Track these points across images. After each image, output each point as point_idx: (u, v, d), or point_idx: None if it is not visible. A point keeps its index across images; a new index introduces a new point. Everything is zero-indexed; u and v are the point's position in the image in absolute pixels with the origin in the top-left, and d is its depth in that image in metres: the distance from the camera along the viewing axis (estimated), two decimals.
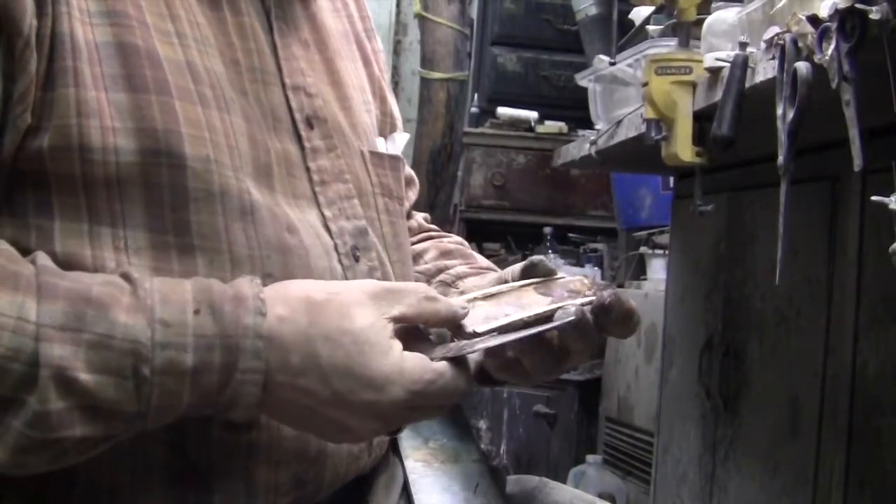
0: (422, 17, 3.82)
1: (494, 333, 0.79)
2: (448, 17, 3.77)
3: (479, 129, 3.78)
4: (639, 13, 2.18)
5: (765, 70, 1.23)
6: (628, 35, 2.18)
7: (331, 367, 0.74)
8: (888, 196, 0.96)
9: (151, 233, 0.77)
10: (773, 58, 1.17)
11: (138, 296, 0.73)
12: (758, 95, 1.24)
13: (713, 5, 1.55)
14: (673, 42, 1.57)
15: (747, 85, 1.26)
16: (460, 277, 1.08)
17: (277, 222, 0.83)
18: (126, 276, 0.74)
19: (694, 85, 1.41)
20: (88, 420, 0.71)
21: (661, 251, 2.80)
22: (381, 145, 1.03)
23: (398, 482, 0.97)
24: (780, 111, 1.13)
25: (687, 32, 1.48)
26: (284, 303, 0.75)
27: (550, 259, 3.33)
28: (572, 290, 0.88)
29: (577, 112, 3.19)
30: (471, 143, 3.74)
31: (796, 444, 1.61)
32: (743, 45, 1.28)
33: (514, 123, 3.72)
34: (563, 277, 0.92)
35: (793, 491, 1.61)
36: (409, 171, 1.10)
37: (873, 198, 0.97)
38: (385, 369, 0.74)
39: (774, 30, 1.18)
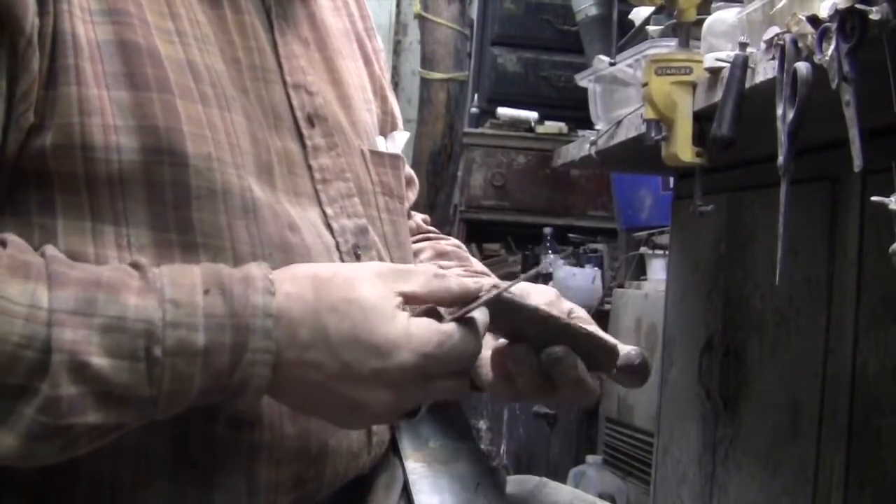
0: (422, 17, 3.82)
1: (495, 289, 0.78)
2: (448, 17, 3.77)
3: (479, 130, 3.78)
4: (639, 13, 2.18)
5: (765, 70, 1.23)
6: (628, 35, 2.18)
7: (338, 338, 0.74)
8: (888, 196, 0.96)
9: (154, 230, 0.77)
10: (773, 58, 1.17)
11: (148, 279, 0.73)
12: (758, 96, 1.24)
13: (713, 5, 1.55)
14: (673, 42, 1.57)
15: (747, 85, 1.26)
16: None
17: (279, 220, 0.84)
18: (134, 264, 0.74)
19: (694, 85, 1.41)
20: (101, 406, 0.70)
21: (661, 251, 2.80)
22: (382, 144, 1.03)
23: (398, 482, 0.97)
24: (780, 111, 1.13)
25: (687, 33, 1.48)
26: (292, 281, 0.76)
27: (550, 259, 3.33)
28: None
29: (577, 112, 3.19)
30: (471, 143, 3.74)
31: (796, 444, 1.61)
32: (743, 46, 1.28)
33: (514, 124, 3.72)
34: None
35: (793, 491, 1.61)
36: (408, 171, 1.10)
37: (873, 198, 0.97)
38: (391, 334, 0.73)
39: (774, 30, 1.18)
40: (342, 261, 0.89)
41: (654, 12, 1.91)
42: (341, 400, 0.76)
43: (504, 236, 3.76)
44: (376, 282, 0.76)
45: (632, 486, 2.77)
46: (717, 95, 1.31)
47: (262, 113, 0.87)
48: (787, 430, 1.64)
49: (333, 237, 0.89)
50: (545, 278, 3.17)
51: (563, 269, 3.26)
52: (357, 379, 0.74)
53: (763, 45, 1.22)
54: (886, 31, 0.96)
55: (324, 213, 0.89)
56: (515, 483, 1.06)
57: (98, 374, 0.70)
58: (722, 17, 1.49)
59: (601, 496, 1.26)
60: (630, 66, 1.86)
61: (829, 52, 1.02)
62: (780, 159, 1.14)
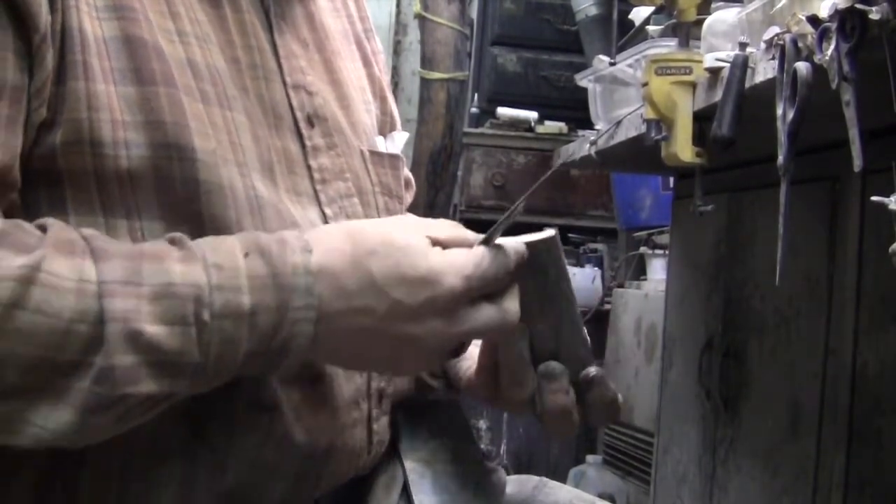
0: (422, 17, 3.82)
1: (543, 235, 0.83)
2: (448, 17, 3.77)
3: (479, 130, 3.78)
4: (639, 13, 2.18)
5: (765, 70, 1.23)
6: (628, 35, 2.18)
7: (384, 278, 0.75)
8: (888, 196, 0.96)
9: (167, 223, 0.78)
10: (773, 58, 1.17)
11: (188, 247, 0.74)
12: (758, 96, 1.24)
13: (713, 5, 1.55)
14: (673, 42, 1.57)
15: (747, 85, 1.26)
16: None
17: (282, 219, 0.84)
18: (170, 239, 0.75)
19: (694, 85, 1.41)
20: (154, 375, 0.71)
21: (661, 251, 2.80)
22: (381, 144, 1.03)
23: (398, 482, 0.97)
24: (780, 111, 1.13)
25: (687, 33, 1.48)
26: (326, 236, 0.78)
27: None
28: None
29: (577, 112, 3.19)
30: (471, 143, 3.74)
31: (796, 445, 1.61)
32: (743, 46, 1.28)
33: (514, 124, 3.71)
34: None
35: (793, 491, 1.61)
36: (406, 173, 1.10)
37: (873, 198, 0.97)
38: (433, 264, 0.76)
39: (774, 30, 1.17)
40: None
41: (654, 12, 1.91)
42: (395, 340, 0.77)
43: (504, 236, 3.75)
44: (406, 226, 0.79)
45: (632, 486, 2.77)
46: (717, 95, 1.31)
47: (262, 112, 0.87)
48: (787, 430, 1.64)
49: None
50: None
51: None
52: (409, 313, 0.76)
53: (763, 45, 1.22)
54: (886, 31, 0.96)
55: (323, 213, 0.89)
56: (515, 483, 1.06)
57: (151, 342, 0.70)
58: (722, 17, 1.49)
59: (601, 496, 1.26)
60: (630, 65, 1.86)
61: (829, 51, 1.02)
62: (780, 159, 1.14)
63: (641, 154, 1.64)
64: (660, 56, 1.47)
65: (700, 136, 1.40)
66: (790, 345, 1.66)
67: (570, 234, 3.62)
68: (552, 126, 3.70)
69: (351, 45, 1.06)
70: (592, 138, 1.98)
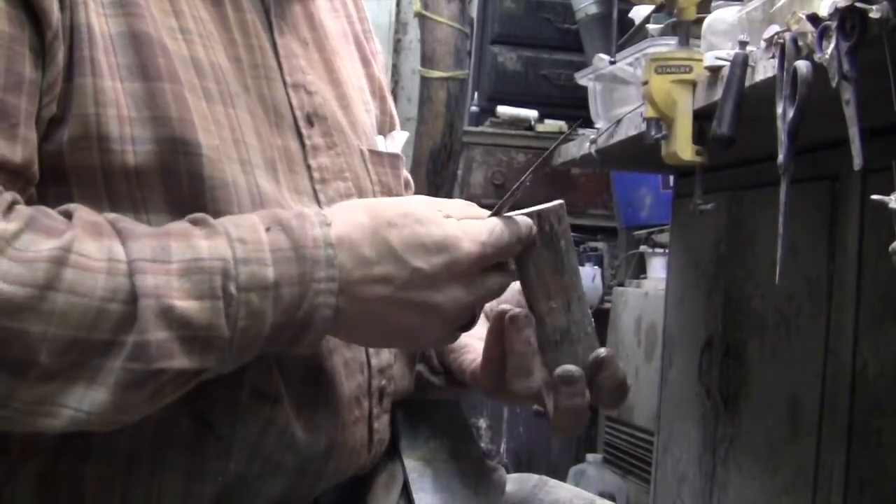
0: (422, 15, 3.82)
1: (550, 205, 0.84)
2: (448, 15, 3.77)
3: (479, 128, 3.77)
4: (639, 12, 2.17)
5: (765, 69, 1.23)
6: (628, 34, 2.17)
7: (403, 247, 0.77)
8: (888, 195, 0.96)
9: (173, 218, 0.78)
10: (773, 57, 1.17)
11: (211, 225, 0.75)
12: (758, 94, 1.24)
13: (713, 4, 1.55)
14: (673, 41, 1.57)
15: (747, 84, 1.26)
16: None
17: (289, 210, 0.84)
18: (191, 219, 0.76)
19: (694, 84, 1.41)
20: (186, 351, 0.72)
21: (661, 250, 2.80)
22: (381, 144, 1.03)
23: (398, 481, 0.97)
24: (780, 110, 1.13)
25: (687, 31, 1.48)
26: (345, 211, 0.80)
27: None
28: None
29: (577, 111, 3.18)
30: (471, 141, 3.74)
31: (796, 444, 1.61)
32: (743, 44, 1.28)
33: (514, 122, 3.71)
34: None
35: (793, 491, 1.61)
36: (405, 173, 1.10)
37: (873, 197, 0.97)
38: (450, 231, 0.78)
39: (774, 28, 1.17)
40: None
41: (654, 11, 1.91)
42: (415, 307, 0.78)
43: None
44: (421, 201, 0.81)
45: (632, 484, 2.77)
46: (717, 94, 1.31)
47: (263, 111, 0.88)
48: (787, 429, 1.64)
49: None
50: None
51: None
52: (428, 279, 0.78)
53: (763, 44, 1.21)
54: (886, 30, 0.96)
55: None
56: (515, 481, 1.06)
57: (182, 318, 0.71)
58: (722, 16, 1.49)
59: (601, 495, 1.26)
60: (630, 64, 1.86)
61: (829, 50, 1.01)
62: (780, 158, 1.13)
63: (641, 153, 1.64)
64: (660, 55, 1.47)
65: (700, 134, 1.40)
66: (790, 344, 1.66)
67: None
68: (552, 125, 3.69)
69: (350, 46, 1.06)
70: (592, 137, 1.98)
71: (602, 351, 0.84)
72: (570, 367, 0.83)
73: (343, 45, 1.03)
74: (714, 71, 1.36)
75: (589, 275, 3.28)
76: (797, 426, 1.61)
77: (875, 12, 0.96)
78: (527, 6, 3.84)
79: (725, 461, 1.87)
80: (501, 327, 0.85)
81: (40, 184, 0.77)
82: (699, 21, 1.51)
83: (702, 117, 1.39)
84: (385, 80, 1.12)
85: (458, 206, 0.82)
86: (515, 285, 0.87)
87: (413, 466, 0.97)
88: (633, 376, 2.77)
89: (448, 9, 3.76)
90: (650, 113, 1.44)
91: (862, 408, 1.44)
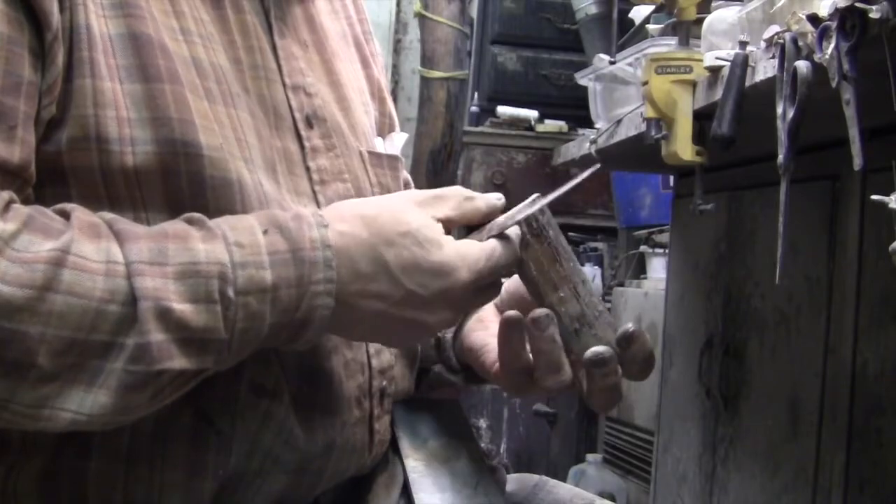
0: (422, 15, 3.82)
1: (529, 203, 0.85)
2: (448, 16, 3.77)
3: (479, 128, 3.77)
4: (639, 12, 2.18)
5: (765, 69, 1.23)
6: (628, 34, 2.17)
7: (399, 268, 0.78)
8: (888, 195, 0.96)
9: (173, 218, 0.78)
10: (773, 57, 1.17)
11: (208, 227, 0.75)
12: (758, 94, 1.24)
13: (713, 4, 1.55)
14: (673, 41, 1.57)
15: (747, 84, 1.26)
16: None
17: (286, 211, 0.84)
18: (187, 219, 0.76)
19: (694, 84, 1.41)
20: (184, 352, 0.72)
21: (661, 250, 2.80)
22: (380, 145, 1.03)
23: (398, 482, 0.97)
24: (780, 110, 1.13)
25: (687, 31, 1.48)
26: (342, 220, 0.79)
27: None
28: None
29: (577, 111, 3.18)
30: (471, 142, 3.74)
31: (796, 444, 1.61)
32: (743, 44, 1.28)
33: (514, 122, 3.71)
34: None
35: (793, 491, 1.61)
36: (405, 174, 1.11)
37: (873, 197, 0.97)
38: (447, 258, 0.79)
39: (774, 29, 1.17)
40: None
41: (654, 11, 1.91)
42: (404, 323, 0.80)
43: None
44: (419, 211, 0.81)
45: (632, 484, 2.77)
46: (718, 94, 1.31)
47: (263, 112, 0.88)
48: (787, 429, 1.64)
49: None
50: None
51: None
52: (422, 301, 0.79)
53: (763, 44, 1.21)
54: (886, 30, 0.96)
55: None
56: (515, 481, 1.06)
57: (180, 320, 0.72)
58: (722, 16, 1.49)
59: (601, 495, 1.26)
60: (630, 64, 1.86)
61: (830, 50, 1.01)
62: (780, 158, 1.13)
63: (641, 153, 1.64)
64: (660, 55, 1.47)
65: (700, 134, 1.40)
66: (790, 344, 1.66)
67: (570, 233, 3.61)
68: (552, 125, 3.69)
69: (350, 47, 1.06)
70: (592, 137, 1.98)
71: (630, 326, 0.85)
72: (600, 349, 0.83)
73: (343, 47, 1.03)
74: (714, 71, 1.36)
75: (589, 275, 3.27)
76: (797, 426, 1.61)
77: (875, 12, 0.96)
78: (527, 6, 3.84)
79: (725, 461, 1.87)
80: (509, 333, 0.85)
81: (39, 184, 0.77)
82: (699, 21, 1.51)
83: (702, 117, 1.39)
84: (385, 82, 1.12)
85: (454, 204, 0.83)
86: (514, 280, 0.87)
87: (413, 466, 0.97)
88: None
89: (448, 9, 3.76)
90: (650, 113, 1.44)
91: (862, 408, 1.44)
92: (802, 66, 1.08)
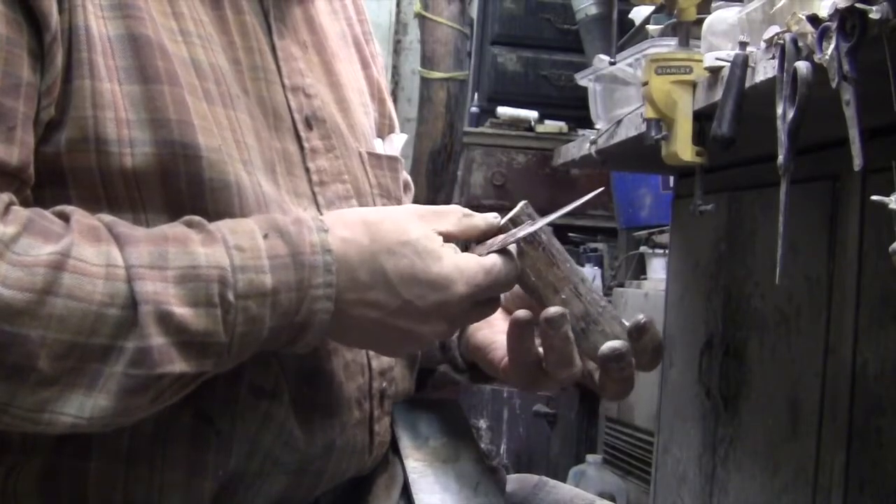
0: (422, 16, 3.82)
1: (530, 223, 0.84)
2: (448, 16, 3.77)
3: (479, 129, 3.77)
4: (639, 13, 2.18)
5: (765, 69, 1.23)
6: (628, 34, 2.18)
7: (397, 277, 0.78)
8: (888, 195, 0.96)
9: (172, 219, 0.78)
10: (773, 57, 1.17)
11: (208, 230, 0.75)
12: (758, 95, 1.24)
13: (713, 5, 1.55)
14: (673, 41, 1.57)
15: (747, 84, 1.26)
16: None
17: (287, 215, 0.84)
18: (187, 222, 0.76)
19: (694, 84, 1.41)
20: (184, 356, 0.72)
21: (661, 251, 2.80)
22: (380, 146, 1.03)
23: (398, 482, 0.97)
24: (780, 111, 1.13)
25: (687, 32, 1.48)
26: (344, 225, 0.79)
27: None
28: None
29: (577, 111, 3.19)
30: (471, 142, 3.74)
31: (796, 444, 1.61)
32: (743, 45, 1.28)
33: (514, 123, 3.71)
34: None
35: (793, 491, 1.61)
36: (405, 175, 1.11)
37: (873, 197, 0.97)
38: (445, 271, 0.78)
39: (774, 29, 1.17)
40: None
41: (654, 11, 1.91)
42: (399, 333, 0.80)
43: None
44: (421, 223, 0.80)
45: (632, 485, 2.77)
46: (718, 95, 1.31)
47: (262, 113, 0.88)
48: (787, 429, 1.64)
49: None
50: None
51: None
52: (417, 312, 0.79)
53: (763, 45, 1.21)
54: (886, 31, 0.96)
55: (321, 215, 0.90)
56: (515, 482, 1.06)
57: (180, 324, 0.72)
58: (722, 17, 1.49)
59: (601, 495, 1.26)
60: (630, 65, 1.86)
61: (830, 51, 1.02)
62: (781, 158, 1.13)
63: (641, 153, 1.64)
64: (660, 55, 1.47)
65: (700, 135, 1.40)
66: (790, 344, 1.66)
67: (570, 234, 3.61)
68: (552, 125, 3.69)
69: (349, 48, 1.06)
70: (592, 137, 1.98)
71: (641, 317, 0.85)
72: (616, 345, 0.83)
73: (342, 48, 1.03)
74: (714, 71, 1.36)
75: (589, 275, 3.28)
76: (797, 426, 1.61)
77: (875, 13, 0.96)
78: (527, 7, 3.85)
79: (725, 461, 1.87)
80: (521, 332, 0.85)
81: (38, 185, 0.77)
82: (699, 22, 1.51)
83: (702, 118, 1.39)
84: (384, 83, 1.12)
85: (454, 220, 0.82)
86: None
87: (413, 467, 0.97)
88: None
89: (448, 9, 3.76)
90: (650, 113, 1.44)
91: (862, 408, 1.44)
92: (802, 66, 1.08)
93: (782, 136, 1.13)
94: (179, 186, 0.79)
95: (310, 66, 0.95)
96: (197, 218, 0.77)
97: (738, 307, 1.85)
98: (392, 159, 1.03)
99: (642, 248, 2.99)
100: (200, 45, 0.84)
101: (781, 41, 1.13)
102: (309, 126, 0.91)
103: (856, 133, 1.00)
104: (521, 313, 0.84)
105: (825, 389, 1.53)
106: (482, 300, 0.82)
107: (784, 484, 1.64)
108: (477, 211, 0.86)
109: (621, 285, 3.06)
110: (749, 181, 1.82)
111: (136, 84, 0.78)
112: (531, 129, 3.71)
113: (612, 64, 1.93)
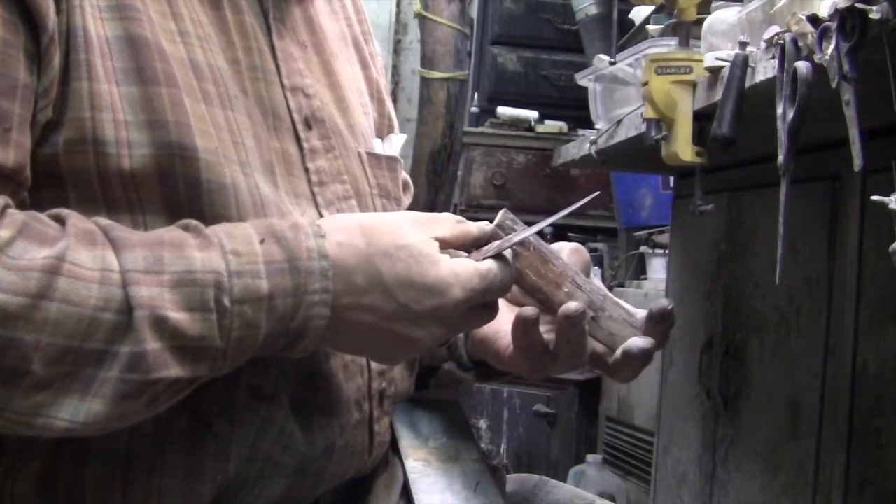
0: (422, 16, 3.81)
1: (524, 228, 0.85)
2: (448, 16, 3.76)
3: (479, 129, 3.77)
4: (639, 13, 2.18)
5: (765, 70, 1.23)
6: (628, 35, 2.18)
7: (394, 281, 0.78)
8: (888, 195, 0.96)
9: (170, 220, 0.78)
10: (773, 57, 1.17)
11: (204, 234, 0.75)
12: (758, 95, 1.24)
13: (713, 5, 1.55)
14: (673, 41, 1.57)
15: (747, 84, 1.26)
16: None
17: (284, 220, 0.84)
18: (184, 225, 0.76)
19: (694, 84, 1.41)
20: (179, 361, 0.72)
21: (661, 251, 2.80)
22: (379, 146, 1.03)
23: (398, 482, 0.97)
24: (780, 111, 1.13)
25: (687, 32, 1.48)
26: (340, 230, 0.79)
27: None
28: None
29: (577, 112, 3.19)
30: (471, 142, 3.74)
31: (796, 444, 1.61)
32: (743, 45, 1.28)
33: (514, 123, 3.71)
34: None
35: (793, 491, 1.61)
36: (404, 175, 1.11)
37: (873, 197, 0.97)
38: (442, 275, 0.78)
39: (774, 29, 1.17)
40: None
41: (655, 11, 1.91)
42: (395, 337, 0.80)
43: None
44: (417, 228, 0.80)
45: (632, 485, 2.77)
46: (718, 95, 1.31)
47: (261, 114, 0.88)
48: (787, 429, 1.64)
49: None
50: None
51: None
52: (413, 318, 0.79)
53: (763, 45, 1.21)
54: (886, 31, 0.96)
55: (321, 215, 0.89)
56: (515, 482, 1.06)
57: (176, 329, 0.72)
58: (722, 17, 1.49)
59: (601, 495, 1.26)
60: (630, 65, 1.86)
61: (830, 51, 1.01)
62: (781, 159, 1.13)
63: (641, 153, 1.64)
64: (660, 55, 1.46)
65: (700, 135, 1.40)
66: (790, 344, 1.66)
67: (569, 234, 3.61)
68: (552, 125, 3.69)
69: (349, 48, 1.06)
70: (592, 138, 1.98)
71: (667, 303, 0.85)
72: (639, 342, 0.84)
73: (342, 48, 1.03)
74: (714, 72, 1.36)
75: None
76: (797, 426, 1.61)
77: (875, 13, 0.96)
78: (527, 7, 3.85)
79: (725, 461, 1.87)
80: (528, 328, 0.85)
81: (35, 187, 0.77)
82: (699, 22, 1.51)
83: (702, 118, 1.39)
84: (384, 83, 1.12)
85: (448, 226, 0.82)
86: None
87: (413, 467, 0.97)
88: None
89: (448, 9, 3.76)
90: (650, 114, 1.44)
91: (862, 408, 1.44)
92: (802, 66, 1.08)
93: (782, 136, 1.13)
94: (177, 188, 0.79)
95: (309, 66, 0.95)
96: (194, 222, 0.76)
97: (738, 307, 1.85)
98: (391, 159, 1.03)
99: (642, 248, 2.99)
100: (199, 45, 0.84)
101: (781, 41, 1.13)
102: (308, 126, 0.91)
103: (856, 133, 1.00)
104: (529, 311, 0.84)
105: (825, 390, 1.53)
106: (479, 305, 0.81)
107: (784, 484, 1.64)
108: (477, 212, 0.87)
109: (621, 285, 3.06)
110: (749, 181, 1.82)
111: (134, 85, 0.78)
112: (531, 129, 3.71)
113: (612, 64, 1.93)
